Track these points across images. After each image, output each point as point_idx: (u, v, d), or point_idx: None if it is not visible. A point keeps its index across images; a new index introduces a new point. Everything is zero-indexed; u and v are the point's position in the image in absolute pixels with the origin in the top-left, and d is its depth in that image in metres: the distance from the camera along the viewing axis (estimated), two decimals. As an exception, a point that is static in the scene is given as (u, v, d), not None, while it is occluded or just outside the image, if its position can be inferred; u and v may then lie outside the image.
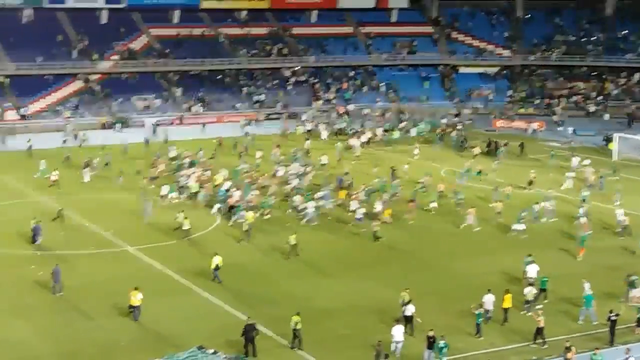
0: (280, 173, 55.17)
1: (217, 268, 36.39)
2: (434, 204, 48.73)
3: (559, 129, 78.78)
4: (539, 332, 30.32)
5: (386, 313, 32.65)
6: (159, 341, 30.32)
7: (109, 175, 55.78)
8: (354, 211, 46.18)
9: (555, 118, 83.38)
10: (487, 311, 32.20)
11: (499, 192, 50.93)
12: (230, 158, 60.96)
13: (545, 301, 34.38)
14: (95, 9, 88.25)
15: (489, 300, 32.34)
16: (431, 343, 28.72)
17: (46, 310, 33.03)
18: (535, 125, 79.26)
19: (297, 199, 48.33)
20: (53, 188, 51.99)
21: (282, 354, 29.84)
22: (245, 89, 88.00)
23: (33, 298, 34.28)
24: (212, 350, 26.90)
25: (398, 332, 29.44)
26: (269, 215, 46.56)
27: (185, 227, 42.40)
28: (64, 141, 65.97)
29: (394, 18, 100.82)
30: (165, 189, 49.67)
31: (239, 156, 61.52)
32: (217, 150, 63.61)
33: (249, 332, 29.16)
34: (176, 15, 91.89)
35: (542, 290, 34.85)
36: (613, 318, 30.80)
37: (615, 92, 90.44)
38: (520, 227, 44.15)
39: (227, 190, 48.85)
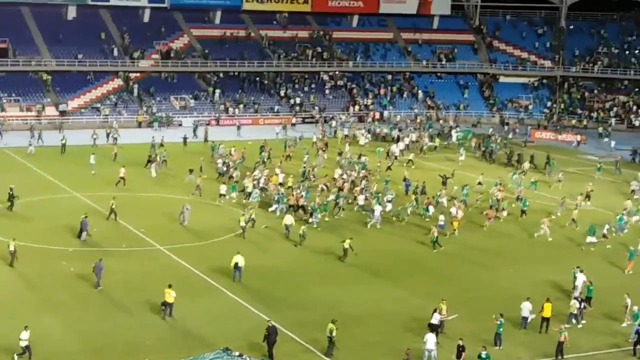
0: (338, 176, 55.03)
1: (236, 266, 36.42)
2: (505, 213, 48.84)
3: (604, 140, 77.46)
4: (560, 347, 29.76)
5: (417, 321, 32.37)
6: (186, 340, 30.30)
7: (170, 173, 56.85)
8: (430, 217, 47.09)
9: (600, 130, 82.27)
10: (524, 319, 32.24)
11: (563, 204, 50.76)
12: (275, 161, 60.57)
13: (590, 308, 34.21)
14: (138, 7, 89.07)
15: (525, 307, 32.34)
16: (460, 352, 28.42)
17: (78, 305, 33.14)
18: (577, 137, 78.16)
19: (362, 200, 49.11)
20: (119, 185, 52.29)
21: (308, 359, 29.63)
22: (282, 92, 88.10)
23: (68, 293, 34.42)
24: (237, 353, 26.70)
25: (430, 340, 29.27)
26: (327, 218, 46.97)
27: (242, 224, 43.12)
28: (94, 139, 66.11)
29: (435, 25, 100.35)
30: (223, 188, 49.98)
31: (285, 158, 61.55)
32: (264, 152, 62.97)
33: (272, 336, 29.04)
34: (217, 15, 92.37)
35: (589, 298, 34.66)
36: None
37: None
38: (592, 239, 43.82)
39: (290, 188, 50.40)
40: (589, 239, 43.96)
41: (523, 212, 49.19)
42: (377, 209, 46.65)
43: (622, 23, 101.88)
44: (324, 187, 52.05)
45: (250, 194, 49.74)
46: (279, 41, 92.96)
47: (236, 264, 36.46)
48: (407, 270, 39.55)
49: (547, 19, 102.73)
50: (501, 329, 30.60)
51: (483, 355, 28.37)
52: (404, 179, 54.89)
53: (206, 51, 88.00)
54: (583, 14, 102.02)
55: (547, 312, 32.25)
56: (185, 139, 68.99)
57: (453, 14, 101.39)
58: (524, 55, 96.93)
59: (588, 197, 53.36)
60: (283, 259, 40.29)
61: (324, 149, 65.56)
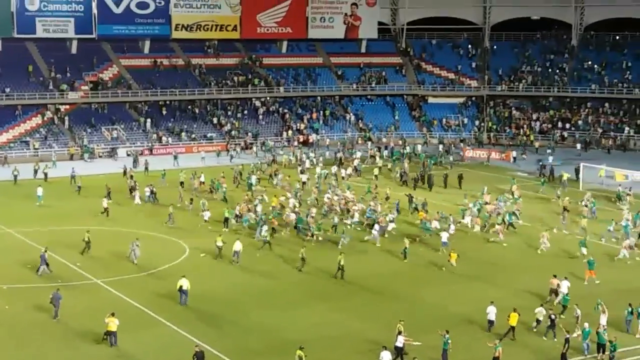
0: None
1: (181, 290, 36.80)
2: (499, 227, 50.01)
3: (547, 154, 79.42)
4: None
5: (358, 345, 32.78)
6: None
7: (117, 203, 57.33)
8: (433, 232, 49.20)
9: (536, 145, 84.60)
10: (490, 322, 33.78)
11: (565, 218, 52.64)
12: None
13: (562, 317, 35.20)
14: (66, 39, 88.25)
15: (491, 311, 33.84)
16: None
17: (17, 342, 32.67)
18: (514, 154, 79.94)
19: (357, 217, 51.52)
20: (101, 216, 53.10)
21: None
22: (215, 119, 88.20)
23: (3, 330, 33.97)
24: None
25: (386, 357, 29.84)
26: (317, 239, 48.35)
27: (219, 244, 44.37)
28: (15, 176, 65.42)
29: (363, 48, 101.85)
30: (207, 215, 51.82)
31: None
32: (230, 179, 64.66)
33: None
34: (147, 45, 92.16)
35: (563, 307, 36.41)
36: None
37: (580, 121, 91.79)
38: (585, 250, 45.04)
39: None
40: (583, 250, 45.01)
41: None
42: (376, 227, 48.55)
43: (544, 42, 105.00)
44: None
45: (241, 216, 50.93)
46: (210, 69, 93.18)
47: (180, 287, 36.82)
48: (347, 292, 39.77)
49: (472, 40, 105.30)
50: (447, 346, 31.16)
51: None
52: (386, 198, 56.93)
53: (136, 81, 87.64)
54: (506, 34, 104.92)
55: (512, 321, 33.32)
56: (125, 169, 68.15)
57: (380, 38, 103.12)
58: (451, 75, 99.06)
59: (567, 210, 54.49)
60: (224, 284, 40.19)
61: (276, 172, 67.13)
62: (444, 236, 46.75)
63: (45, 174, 66.28)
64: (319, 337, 31.39)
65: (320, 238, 48.43)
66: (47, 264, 41.06)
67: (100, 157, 78.00)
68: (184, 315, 35.89)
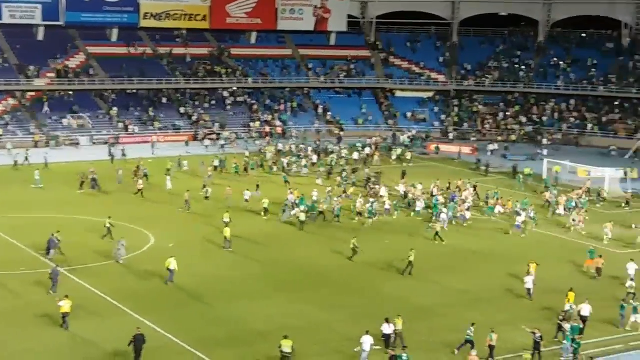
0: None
1: (169, 269, 38.35)
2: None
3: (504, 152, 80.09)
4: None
5: (322, 335, 33.11)
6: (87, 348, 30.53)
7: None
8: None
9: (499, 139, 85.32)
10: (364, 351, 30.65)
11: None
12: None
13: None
14: (32, 26, 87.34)
15: (366, 341, 30.79)
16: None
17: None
18: (495, 146, 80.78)
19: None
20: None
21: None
22: (182, 109, 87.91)
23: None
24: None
25: (367, 341, 30.37)
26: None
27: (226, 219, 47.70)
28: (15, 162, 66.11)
29: (332, 41, 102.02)
30: (247, 194, 55.01)
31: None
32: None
33: (138, 343, 29.67)
34: (115, 33, 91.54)
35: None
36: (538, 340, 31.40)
37: (545, 117, 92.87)
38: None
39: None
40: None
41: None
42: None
43: (511, 38, 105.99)
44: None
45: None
46: (178, 58, 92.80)
47: (168, 266, 38.36)
48: (312, 284, 40.05)
49: (440, 35, 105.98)
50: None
51: (404, 357, 29.29)
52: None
53: (103, 69, 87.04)
54: (474, 30, 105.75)
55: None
56: (112, 156, 69.53)
57: (350, 31, 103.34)
58: (419, 70, 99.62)
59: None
60: (188, 275, 39.97)
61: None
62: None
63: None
64: (283, 328, 31.52)
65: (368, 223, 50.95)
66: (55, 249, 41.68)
67: (65, 145, 77.43)
68: (147, 305, 35.92)
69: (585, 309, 34.46)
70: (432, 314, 35.95)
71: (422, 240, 48.08)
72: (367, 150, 76.70)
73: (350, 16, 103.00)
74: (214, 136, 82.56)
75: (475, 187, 60.43)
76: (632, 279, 39.35)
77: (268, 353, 30.76)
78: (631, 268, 40.73)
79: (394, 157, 75.83)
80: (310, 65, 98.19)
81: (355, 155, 73.89)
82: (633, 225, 51.92)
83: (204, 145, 78.73)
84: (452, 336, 32.85)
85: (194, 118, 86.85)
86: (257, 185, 57.99)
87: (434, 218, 52.02)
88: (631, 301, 35.66)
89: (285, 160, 69.13)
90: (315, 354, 31.37)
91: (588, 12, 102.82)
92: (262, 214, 52.26)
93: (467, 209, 53.50)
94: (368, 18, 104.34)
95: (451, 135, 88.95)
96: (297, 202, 52.79)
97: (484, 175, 69.03)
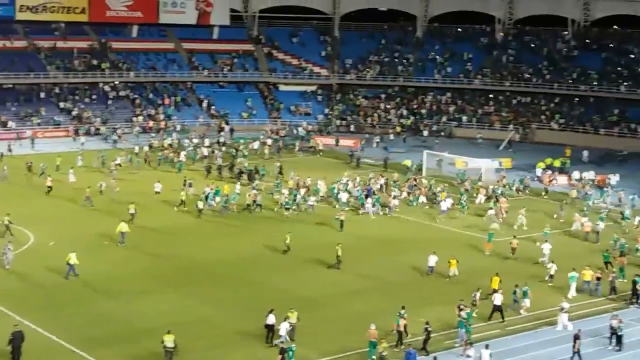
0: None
1: (69, 263, 38.55)
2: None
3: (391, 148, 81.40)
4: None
5: (208, 330, 33.56)
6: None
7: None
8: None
9: (391, 137, 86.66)
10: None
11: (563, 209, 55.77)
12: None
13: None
14: None
15: (283, 327, 32.36)
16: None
17: None
18: (353, 142, 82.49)
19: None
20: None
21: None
22: (62, 104, 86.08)
23: None
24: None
25: (283, 327, 31.89)
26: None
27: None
28: None
29: (215, 35, 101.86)
30: (158, 186, 56.48)
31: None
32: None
33: (16, 340, 29.57)
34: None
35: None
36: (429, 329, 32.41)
37: (424, 110, 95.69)
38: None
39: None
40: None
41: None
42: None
43: (390, 33, 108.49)
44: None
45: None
46: (57, 52, 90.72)
47: (68, 261, 38.68)
48: (200, 278, 40.33)
49: (322, 30, 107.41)
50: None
51: (293, 348, 30.07)
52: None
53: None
54: (355, 24, 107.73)
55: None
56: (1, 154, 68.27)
57: (232, 25, 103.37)
58: (302, 64, 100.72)
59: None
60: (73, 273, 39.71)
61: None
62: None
63: None
64: (169, 324, 31.75)
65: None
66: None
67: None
68: (27, 306, 35.45)
69: (497, 298, 35.71)
70: (318, 305, 36.85)
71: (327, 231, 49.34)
72: (256, 144, 77.25)
73: (232, 10, 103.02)
74: (94, 130, 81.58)
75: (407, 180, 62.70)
76: (552, 261, 41.46)
77: (153, 349, 30.88)
78: (546, 248, 43.58)
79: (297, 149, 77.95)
80: (194, 59, 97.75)
81: (256, 145, 75.89)
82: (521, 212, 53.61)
83: (79, 142, 76.42)
84: (337, 326, 33.95)
85: (74, 113, 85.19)
86: (189, 181, 58.33)
87: (337, 208, 53.73)
88: (524, 287, 37.12)
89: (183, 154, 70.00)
90: (201, 348, 31.78)
91: (463, 7, 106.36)
92: (177, 206, 53.12)
93: (394, 198, 55.97)
94: (250, 12, 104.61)
95: (334, 128, 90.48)
96: (213, 193, 54.44)
97: (355, 167, 70.40)
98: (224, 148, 75.25)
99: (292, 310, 32.89)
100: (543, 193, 62.39)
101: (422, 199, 57.66)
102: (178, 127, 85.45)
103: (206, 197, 53.92)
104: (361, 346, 31.26)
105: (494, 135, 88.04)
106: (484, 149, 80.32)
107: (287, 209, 53.16)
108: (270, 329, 32.29)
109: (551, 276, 40.66)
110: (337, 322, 34.52)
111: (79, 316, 34.70)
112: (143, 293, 37.89)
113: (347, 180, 60.32)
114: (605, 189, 62.71)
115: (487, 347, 30.93)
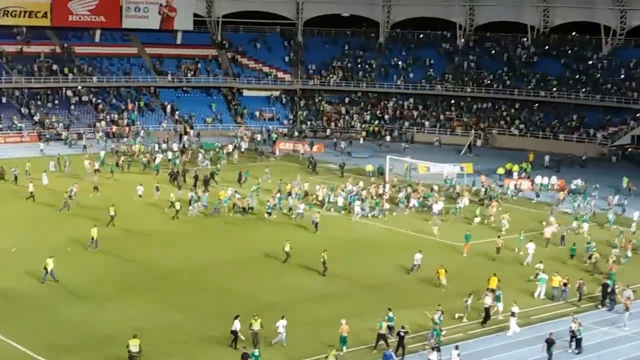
0: None
1: (46, 268, 38.83)
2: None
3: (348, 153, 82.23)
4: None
5: (174, 336, 33.75)
6: None
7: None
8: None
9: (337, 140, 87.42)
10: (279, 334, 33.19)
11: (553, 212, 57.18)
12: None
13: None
14: None
15: (280, 324, 33.39)
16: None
17: None
18: (316, 147, 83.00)
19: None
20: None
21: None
22: (24, 109, 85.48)
23: None
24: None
25: (280, 324, 32.97)
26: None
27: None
28: None
29: (179, 40, 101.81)
30: (140, 189, 57.21)
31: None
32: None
33: None
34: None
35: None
36: (402, 334, 32.71)
37: (387, 115, 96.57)
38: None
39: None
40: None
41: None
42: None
43: (353, 38, 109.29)
44: None
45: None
46: (19, 56, 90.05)
47: (45, 267, 39.03)
48: (164, 284, 40.37)
49: (286, 35, 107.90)
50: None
51: (256, 353, 30.28)
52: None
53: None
54: (318, 30, 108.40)
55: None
56: None
57: (196, 30, 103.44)
58: (266, 69, 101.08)
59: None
60: (31, 280, 39.52)
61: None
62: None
63: None
64: (133, 330, 31.83)
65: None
66: None
67: None
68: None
69: (488, 299, 36.52)
70: (280, 310, 37.13)
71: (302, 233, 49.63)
72: (231, 147, 77.74)
73: (196, 15, 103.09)
74: (56, 135, 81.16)
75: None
76: (541, 262, 42.56)
77: (118, 355, 30.94)
78: (531, 248, 45.23)
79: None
80: (157, 64, 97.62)
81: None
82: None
83: (39, 148, 75.52)
84: (303, 331, 34.31)
85: (36, 118, 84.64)
86: (156, 185, 58.71)
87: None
88: (498, 291, 37.80)
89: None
90: (166, 354, 31.88)
91: (425, 13, 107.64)
92: (167, 208, 54.10)
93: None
94: (214, 17, 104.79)
95: (297, 133, 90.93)
96: (198, 197, 55.38)
97: (312, 173, 70.58)
98: (189, 153, 75.29)
99: (255, 317, 32.92)
100: (534, 199, 63.50)
101: (414, 202, 58.44)
102: (142, 132, 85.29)
103: (189, 201, 54.57)
104: (327, 351, 31.59)
105: (456, 141, 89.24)
106: (446, 154, 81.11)
107: (269, 213, 53.68)
108: (236, 335, 32.60)
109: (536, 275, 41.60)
110: (303, 327, 34.88)
111: (42, 323, 34.55)
112: (108, 299, 37.83)
113: (350, 186, 61.03)
114: (586, 192, 64.02)
115: (456, 347, 31.48)
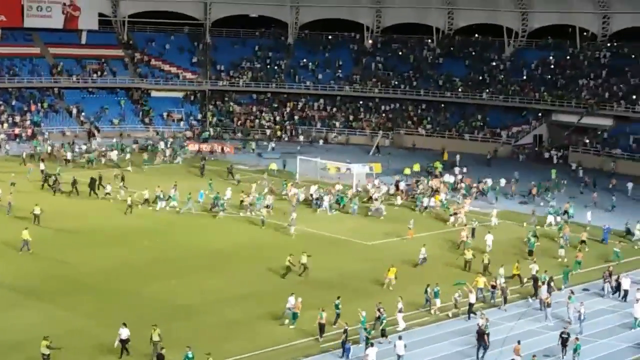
0: None
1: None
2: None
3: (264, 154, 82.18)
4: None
5: (82, 340, 33.09)
6: None
7: None
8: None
9: (273, 144, 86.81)
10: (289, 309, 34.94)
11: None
12: None
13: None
14: None
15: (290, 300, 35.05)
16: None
17: None
18: (227, 148, 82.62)
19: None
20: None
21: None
22: None
23: None
24: None
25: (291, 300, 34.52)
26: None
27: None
28: None
29: (84, 40, 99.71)
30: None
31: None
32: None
33: None
34: None
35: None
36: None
37: (297, 117, 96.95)
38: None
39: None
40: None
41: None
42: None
43: (262, 39, 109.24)
44: None
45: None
46: None
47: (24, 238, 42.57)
48: (70, 290, 39.49)
49: (194, 35, 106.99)
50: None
51: (190, 355, 29.99)
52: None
53: None
54: (226, 30, 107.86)
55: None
56: None
57: (101, 29, 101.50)
58: (174, 70, 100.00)
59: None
60: None
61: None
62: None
63: None
64: (40, 337, 31.04)
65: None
66: None
67: None
68: None
69: (472, 297, 37.50)
70: (196, 313, 36.85)
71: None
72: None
73: (101, 14, 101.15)
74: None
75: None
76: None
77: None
78: (489, 240, 47.45)
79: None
80: (61, 64, 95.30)
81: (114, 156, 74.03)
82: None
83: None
84: (214, 333, 34.13)
85: None
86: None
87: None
88: (435, 287, 37.96)
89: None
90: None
91: (332, 15, 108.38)
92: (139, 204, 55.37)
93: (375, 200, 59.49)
94: (120, 17, 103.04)
95: (207, 135, 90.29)
96: (170, 196, 56.38)
97: (199, 175, 70.09)
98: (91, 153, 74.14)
99: (154, 326, 32.14)
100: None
101: (398, 200, 60.70)
102: (46, 134, 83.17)
103: (156, 198, 55.77)
104: (241, 352, 31.50)
105: (364, 141, 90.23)
106: (355, 154, 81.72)
107: (223, 210, 54.76)
108: (124, 343, 31.79)
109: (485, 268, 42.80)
110: (215, 329, 34.66)
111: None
112: (13, 305, 36.84)
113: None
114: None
115: (400, 338, 32.08)
